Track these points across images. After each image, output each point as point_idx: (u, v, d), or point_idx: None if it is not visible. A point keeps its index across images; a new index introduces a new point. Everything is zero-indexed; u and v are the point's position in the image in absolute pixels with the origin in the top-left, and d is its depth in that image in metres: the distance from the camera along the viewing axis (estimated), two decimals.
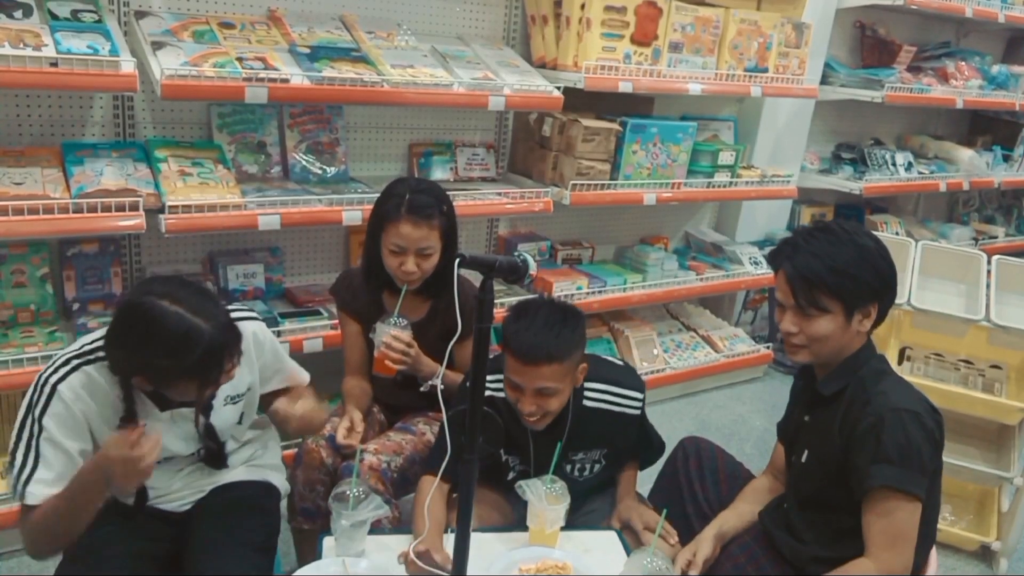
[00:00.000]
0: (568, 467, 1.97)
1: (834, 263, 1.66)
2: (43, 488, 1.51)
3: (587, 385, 1.91)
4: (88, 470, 1.50)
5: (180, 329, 1.44)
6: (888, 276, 1.71)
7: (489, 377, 1.83)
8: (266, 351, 1.78)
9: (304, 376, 1.93)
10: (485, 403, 1.76)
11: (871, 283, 1.68)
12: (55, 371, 1.52)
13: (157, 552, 1.68)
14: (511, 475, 1.99)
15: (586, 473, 1.99)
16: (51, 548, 1.59)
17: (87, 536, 1.57)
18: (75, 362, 1.53)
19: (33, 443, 1.50)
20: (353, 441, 1.99)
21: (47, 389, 1.51)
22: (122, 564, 1.57)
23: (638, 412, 1.96)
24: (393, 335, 2.01)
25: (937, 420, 1.66)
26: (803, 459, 1.79)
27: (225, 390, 1.69)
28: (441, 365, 1.83)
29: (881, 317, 1.73)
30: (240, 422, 1.80)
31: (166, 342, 1.44)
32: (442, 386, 2.02)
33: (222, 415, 1.72)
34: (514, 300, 3.08)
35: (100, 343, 1.54)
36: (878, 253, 1.70)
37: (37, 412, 1.50)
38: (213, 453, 1.74)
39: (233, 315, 1.63)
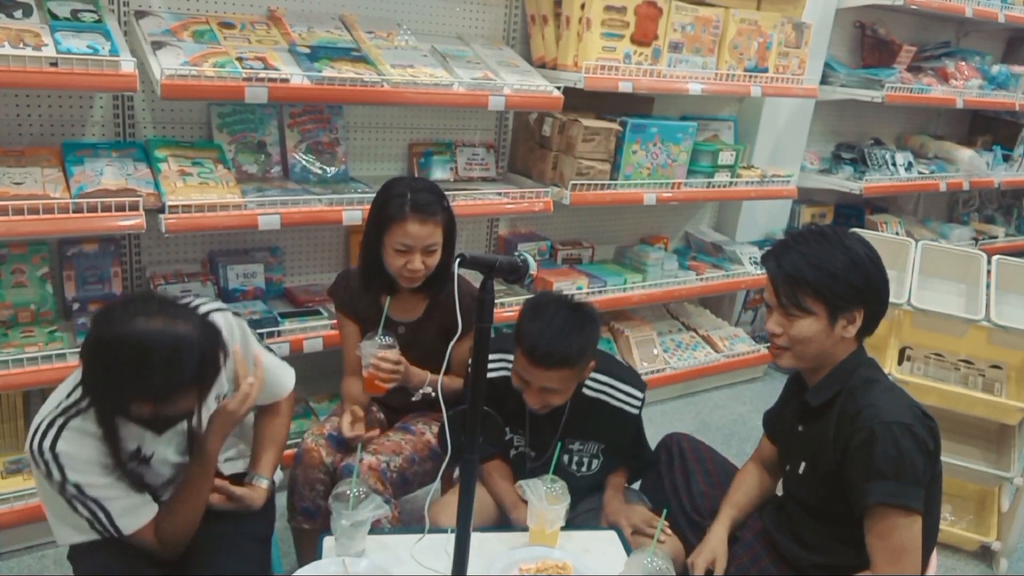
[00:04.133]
0: (566, 458, 2.00)
1: (821, 264, 1.65)
2: (130, 516, 1.53)
3: (590, 375, 1.95)
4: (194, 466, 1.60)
5: (170, 343, 1.39)
6: (876, 283, 1.69)
7: (492, 355, 1.91)
8: (236, 340, 1.71)
9: (286, 380, 1.86)
10: (488, 384, 1.88)
11: (856, 287, 1.66)
12: (43, 437, 1.47)
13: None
14: (513, 452, 2.05)
15: (583, 469, 2.02)
16: (183, 546, 1.62)
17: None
18: (59, 421, 1.48)
19: (83, 498, 1.49)
20: (360, 431, 1.99)
21: (48, 456, 1.46)
22: (124, 562, 1.57)
23: (636, 411, 1.99)
24: (380, 356, 1.99)
25: (930, 427, 1.64)
26: (800, 470, 1.78)
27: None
28: (441, 365, 1.82)
29: (869, 326, 1.71)
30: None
31: (160, 360, 1.38)
32: (433, 393, 2.07)
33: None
34: (514, 300, 3.09)
35: (75, 396, 1.50)
36: (869, 260, 1.68)
37: (58, 477, 1.47)
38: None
39: (202, 310, 1.63)
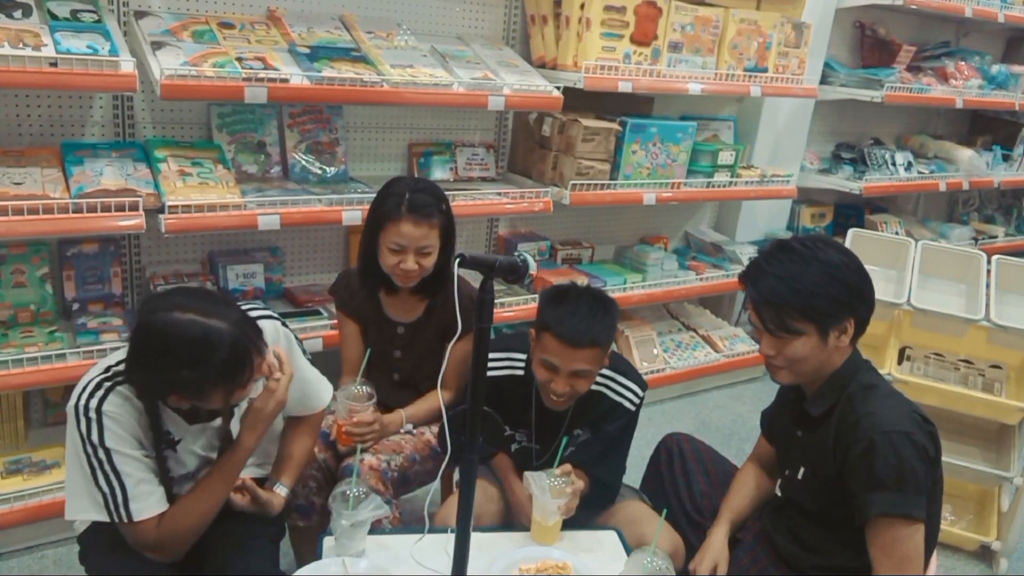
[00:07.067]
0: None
1: (799, 285, 1.62)
2: (144, 500, 1.52)
3: None
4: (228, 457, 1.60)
5: (198, 335, 1.41)
6: (860, 288, 1.66)
7: (497, 355, 1.98)
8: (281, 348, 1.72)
9: (323, 395, 1.87)
10: (492, 383, 1.87)
11: (841, 299, 1.63)
12: (91, 395, 1.49)
13: None
14: (515, 447, 2.05)
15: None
16: (185, 547, 1.60)
17: (105, 532, 1.58)
18: (107, 384, 1.51)
19: (108, 468, 1.49)
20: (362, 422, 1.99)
21: (92, 415, 1.48)
22: (139, 561, 1.57)
23: (633, 409, 1.99)
24: (355, 422, 1.97)
25: (930, 432, 1.63)
26: (799, 476, 1.78)
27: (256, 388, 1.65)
28: (440, 365, 1.82)
29: (861, 328, 1.69)
30: None
31: (187, 352, 1.41)
32: (414, 428, 2.12)
33: None
34: (514, 300, 3.09)
35: (123, 366, 1.52)
36: (846, 266, 1.65)
37: (95, 438, 1.48)
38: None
39: (252, 315, 1.63)
